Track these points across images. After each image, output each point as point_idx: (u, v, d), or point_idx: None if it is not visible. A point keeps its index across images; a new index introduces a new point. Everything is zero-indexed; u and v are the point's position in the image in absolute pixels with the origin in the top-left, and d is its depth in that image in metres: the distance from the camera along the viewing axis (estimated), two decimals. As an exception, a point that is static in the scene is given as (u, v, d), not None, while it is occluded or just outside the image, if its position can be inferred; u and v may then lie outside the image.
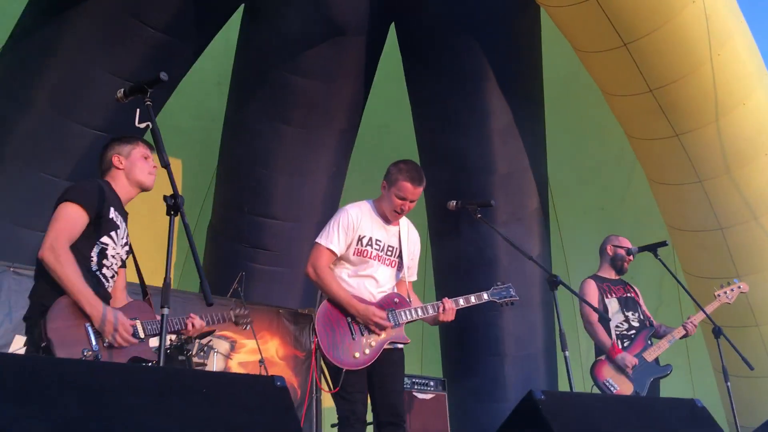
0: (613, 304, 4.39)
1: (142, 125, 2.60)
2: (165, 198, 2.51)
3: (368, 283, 3.31)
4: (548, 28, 7.51)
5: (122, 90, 2.67)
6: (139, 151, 3.24)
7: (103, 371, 1.43)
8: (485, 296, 3.42)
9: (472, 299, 3.38)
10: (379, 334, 3.19)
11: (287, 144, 7.56)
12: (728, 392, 3.98)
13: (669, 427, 2.17)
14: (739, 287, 4.59)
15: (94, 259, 2.95)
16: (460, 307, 3.33)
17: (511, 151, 7.76)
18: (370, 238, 3.34)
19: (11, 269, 5.56)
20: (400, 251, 3.42)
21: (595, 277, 4.58)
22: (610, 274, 4.61)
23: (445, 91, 7.59)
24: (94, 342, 2.69)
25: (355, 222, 3.34)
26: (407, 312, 3.26)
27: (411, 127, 8.37)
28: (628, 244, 4.61)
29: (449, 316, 3.28)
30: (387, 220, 3.44)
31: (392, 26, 7.87)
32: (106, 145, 3.28)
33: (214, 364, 5.75)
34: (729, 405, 3.92)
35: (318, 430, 7.41)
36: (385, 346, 3.23)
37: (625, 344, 4.30)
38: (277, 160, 7.71)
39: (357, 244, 3.32)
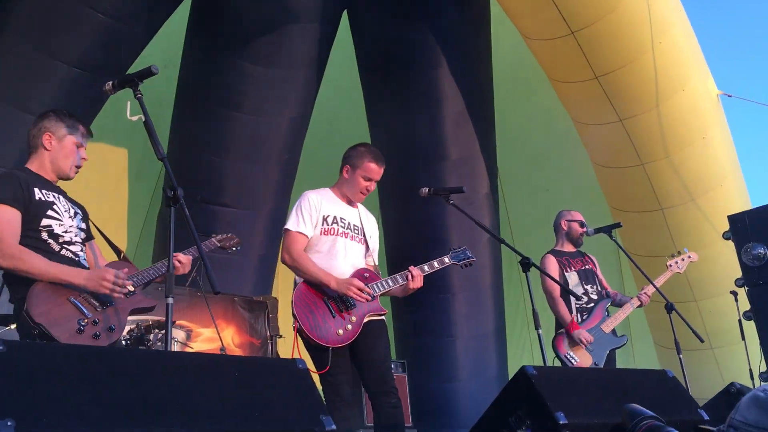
0: (572, 277, 4.55)
1: (134, 118, 2.58)
2: (164, 190, 2.51)
3: (339, 261, 3.36)
4: (497, 14, 7.67)
5: (110, 82, 2.64)
6: (74, 138, 3.07)
7: (146, 358, 1.46)
8: (446, 260, 3.51)
9: (435, 264, 3.47)
10: (357, 307, 3.23)
11: (238, 131, 7.50)
12: (681, 364, 4.21)
13: (647, 395, 2.32)
14: (689, 257, 4.83)
15: (51, 242, 2.87)
16: (426, 273, 3.42)
17: (463, 137, 7.91)
18: (335, 217, 3.42)
19: None
20: (363, 230, 3.51)
21: (554, 252, 4.73)
22: (567, 247, 4.75)
23: (397, 79, 7.67)
24: (85, 311, 2.67)
25: (316, 203, 3.42)
26: (379, 284, 3.32)
27: (363, 115, 8.43)
28: (580, 217, 4.77)
29: (418, 283, 3.34)
30: (348, 202, 3.54)
31: (345, 14, 7.88)
32: (42, 114, 3.08)
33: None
34: (682, 377, 4.15)
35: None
36: (366, 320, 3.26)
37: (584, 317, 4.49)
38: (228, 148, 7.64)
39: (323, 224, 3.38)
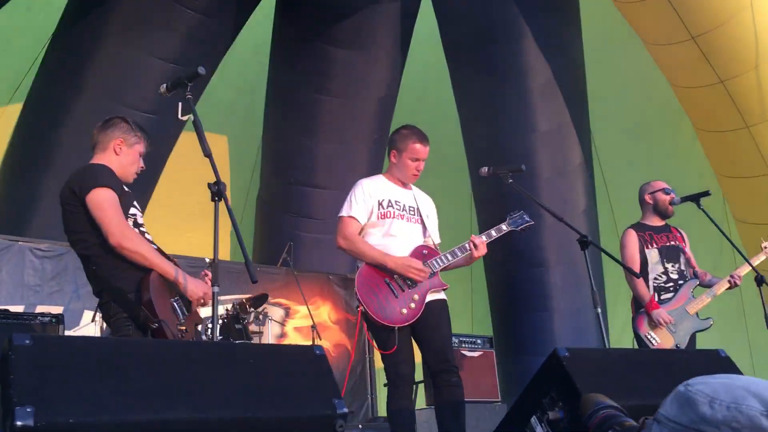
0: (653, 254, 4.35)
1: (185, 118, 2.75)
2: (209, 185, 2.65)
3: (398, 241, 3.37)
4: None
5: (165, 85, 2.82)
6: (140, 147, 3.16)
7: (165, 348, 1.60)
8: (504, 227, 3.52)
9: (493, 233, 3.47)
10: (418, 285, 3.24)
11: (328, 114, 7.69)
12: None
13: (693, 377, 2.25)
14: None
15: (135, 231, 2.95)
16: (486, 241, 3.40)
17: (552, 108, 7.72)
18: (389, 200, 3.44)
19: (76, 249, 5.91)
20: (419, 211, 3.51)
21: (638, 226, 4.51)
22: (654, 221, 4.51)
23: (481, 53, 7.58)
24: (181, 316, 2.79)
25: (370, 189, 3.47)
26: (439, 259, 3.32)
27: (449, 90, 8.39)
28: (663, 185, 4.50)
29: (482, 251, 3.34)
30: (402, 185, 3.56)
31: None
32: (112, 121, 3.17)
33: (269, 330, 6.00)
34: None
35: (372, 390, 7.68)
36: (428, 297, 3.28)
37: (662, 296, 4.31)
38: (319, 130, 7.86)
39: (378, 209, 3.41)
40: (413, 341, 3.32)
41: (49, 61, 6.75)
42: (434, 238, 3.57)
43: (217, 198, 2.51)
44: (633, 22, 7.11)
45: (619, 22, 7.37)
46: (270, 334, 6.50)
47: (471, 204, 9.13)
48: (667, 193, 4.47)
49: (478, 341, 5.94)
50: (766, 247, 4.43)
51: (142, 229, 3.06)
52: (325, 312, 7.83)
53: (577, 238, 3.36)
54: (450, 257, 3.35)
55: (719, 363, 2.39)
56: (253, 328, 5.87)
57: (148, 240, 3.00)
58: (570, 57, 7.74)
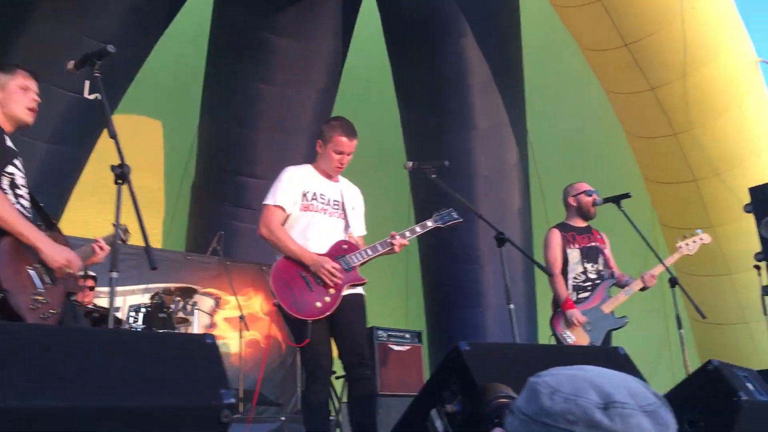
0: (574, 254, 4.45)
1: (91, 97, 2.66)
2: (112, 168, 2.56)
3: (318, 236, 3.37)
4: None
5: (72, 62, 2.72)
6: (16, 81, 2.85)
7: (51, 334, 1.54)
8: (429, 223, 3.52)
9: (417, 229, 3.48)
10: (332, 284, 3.24)
11: (267, 103, 7.60)
12: (681, 340, 4.15)
13: None
14: (701, 239, 4.65)
15: (8, 192, 2.69)
16: (408, 238, 3.43)
17: (491, 106, 7.82)
18: (314, 193, 3.43)
19: None
20: (344, 205, 3.51)
21: (562, 226, 4.62)
22: (577, 222, 4.61)
23: (423, 49, 7.62)
24: (39, 285, 2.55)
25: (296, 178, 3.44)
26: (357, 255, 3.34)
27: (392, 86, 8.40)
28: (585, 187, 4.62)
29: (399, 249, 3.37)
30: (329, 177, 3.55)
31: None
32: None
33: (196, 321, 5.90)
34: (681, 353, 4.10)
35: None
36: (345, 291, 3.30)
37: (580, 295, 4.41)
38: (258, 120, 7.76)
39: (302, 200, 3.40)
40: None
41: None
42: (359, 230, 3.58)
43: (120, 181, 2.43)
44: (570, 26, 7.26)
45: (559, 26, 7.52)
46: (198, 325, 6.39)
47: (409, 197, 9.20)
48: (590, 195, 4.58)
49: (407, 335, 5.99)
50: (680, 248, 4.58)
51: (19, 191, 2.77)
52: (257, 303, 7.75)
53: (494, 235, 3.41)
54: (370, 252, 3.35)
55: (616, 360, 2.46)
56: (179, 316, 5.76)
57: (23, 204, 2.74)
58: (509, 57, 7.86)
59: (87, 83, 2.64)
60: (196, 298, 6.57)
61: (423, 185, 8.66)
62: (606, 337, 4.35)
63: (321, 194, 3.44)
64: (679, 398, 2.65)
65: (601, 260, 4.52)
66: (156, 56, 8.00)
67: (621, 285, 4.50)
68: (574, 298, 4.39)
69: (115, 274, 2.29)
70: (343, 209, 3.50)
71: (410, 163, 3.74)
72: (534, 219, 8.86)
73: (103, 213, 8.23)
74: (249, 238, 8.08)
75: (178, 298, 5.79)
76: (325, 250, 3.33)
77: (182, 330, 5.97)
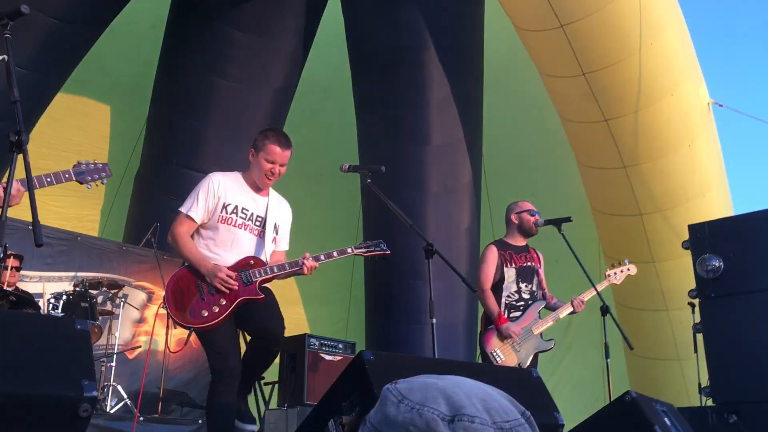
0: (510, 273, 4.41)
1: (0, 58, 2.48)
2: (8, 134, 2.39)
3: (230, 250, 3.30)
4: (492, 5, 7.51)
5: None
6: None
7: None
8: (349, 250, 3.44)
9: (335, 254, 3.40)
10: (225, 293, 3.18)
11: (221, 98, 7.43)
12: (606, 369, 4.12)
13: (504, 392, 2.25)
14: (628, 269, 4.69)
15: None
16: (321, 262, 3.34)
17: (447, 123, 7.79)
18: (236, 206, 3.34)
19: None
20: (266, 221, 3.41)
21: (500, 243, 4.58)
22: (517, 240, 4.58)
23: (383, 60, 7.55)
24: None
25: (217, 189, 3.34)
26: (261, 270, 3.27)
27: (351, 95, 8.32)
28: (529, 206, 4.60)
29: (309, 271, 3.30)
30: (257, 189, 3.45)
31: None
32: None
33: (121, 313, 5.67)
34: (606, 384, 4.08)
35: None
36: (237, 302, 3.22)
37: (512, 314, 4.36)
38: (210, 114, 7.57)
39: (222, 212, 3.32)
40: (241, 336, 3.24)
41: None
42: (282, 246, 3.51)
43: (15, 149, 2.24)
44: (531, 51, 7.28)
45: (520, 49, 7.54)
46: (125, 318, 6.15)
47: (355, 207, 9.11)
48: (532, 215, 4.56)
49: (339, 345, 5.86)
50: (608, 276, 4.60)
51: None
52: (191, 302, 7.53)
53: (423, 246, 3.33)
54: (276, 270, 3.29)
55: (527, 382, 2.38)
56: (103, 309, 5.53)
57: None
58: (470, 76, 7.84)
59: None
60: (127, 290, 6.34)
61: (373, 197, 8.60)
62: (534, 359, 4.30)
63: (243, 209, 3.35)
64: (595, 428, 2.59)
65: (535, 281, 4.48)
66: (112, 43, 7.76)
67: (551, 307, 4.47)
68: (506, 316, 4.33)
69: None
70: (263, 226, 3.39)
71: (346, 165, 3.66)
72: (482, 239, 8.84)
73: (40, 194, 7.93)
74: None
75: (105, 289, 5.56)
76: (232, 263, 3.27)
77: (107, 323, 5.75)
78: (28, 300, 5.19)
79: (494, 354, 4.21)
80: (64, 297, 5.11)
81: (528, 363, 4.24)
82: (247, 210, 3.35)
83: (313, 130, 9.12)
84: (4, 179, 2.62)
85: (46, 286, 5.94)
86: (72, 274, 6.41)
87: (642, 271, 7.53)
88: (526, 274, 4.44)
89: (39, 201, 7.56)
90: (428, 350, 8.49)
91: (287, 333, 6.40)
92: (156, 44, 7.72)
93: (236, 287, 3.17)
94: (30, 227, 5.64)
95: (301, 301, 10.24)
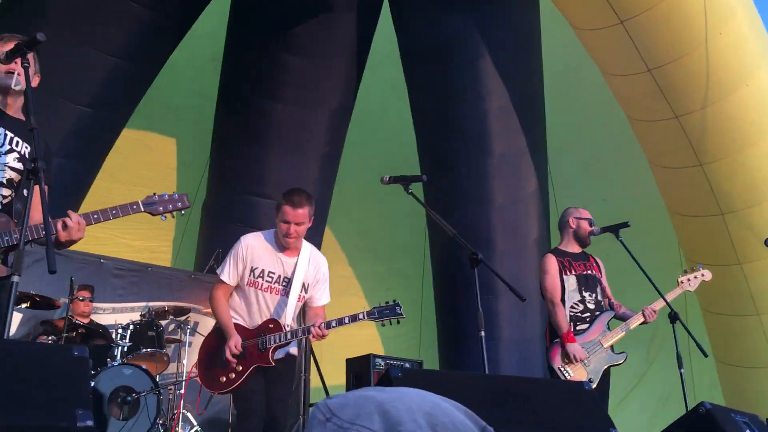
0: (571, 281, 4.17)
1: (17, 88, 2.51)
2: (25, 162, 2.39)
3: (255, 311, 3.52)
4: (549, 8, 7.30)
5: (3, 53, 2.57)
6: None
7: None
8: (361, 316, 3.47)
9: (346, 320, 3.44)
10: (248, 357, 3.41)
11: (279, 122, 7.50)
12: (681, 379, 3.82)
13: (541, 407, 2.05)
14: (702, 275, 4.35)
15: None
16: (333, 328, 3.40)
17: (508, 132, 7.59)
18: (263, 270, 3.52)
19: None
20: (292, 282, 3.55)
21: (557, 251, 4.35)
22: (572, 247, 4.36)
23: (440, 71, 7.45)
24: None
25: (246, 254, 3.54)
26: (275, 336, 3.42)
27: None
28: (588, 215, 4.38)
29: (319, 339, 3.40)
30: (284, 249, 3.59)
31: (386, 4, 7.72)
32: None
33: (191, 340, 5.72)
34: (682, 393, 3.78)
35: (305, 409, 7.41)
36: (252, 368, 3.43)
37: (578, 327, 4.11)
38: (269, 139, 7.65)
39: (250, 275, 3.52)
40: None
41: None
42: (321, 301, 3.65)
43: (32, 177, 2.22)
44: (592, 50, 7.02)
45: (581, 51, 7.28)
46: (196, 345, 6.21)
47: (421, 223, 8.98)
48: (591, 225, 4.33)
49: (406, 365, 5.71)
50: (681, 282, 4.28)
51: None
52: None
53: (468, 255, 3.17)
54: (289, 336, 3.43)
55: (578, 396, 2.18)
56: (170, 337, 5.59)
57: None
58: (528, 82, 7.64)
59: (15, 75, 2.48)
60: (197, 318, 6.42)
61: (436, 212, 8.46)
62: (605, 374, 4.02)
63: (270, 272, 3.53)
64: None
65: (599, 289, 4.22)
66: (174, 78, 7.99)
67: (620, 317, 4.19)
68: (573, 330, 4.08)
69: (16, 278, 2.08)
70: (289, 286, 3.53)
71: (386, 177, 3.56)
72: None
73: (111, 228, 8.20)
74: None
75: (172, 317, 5.62)
76: (258, 323, 3.49)
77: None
78: (97, 331, 5.31)
79: (562, 370, 3.97)
80: (131, 327, 5.19)
81: (599, 378, 3.97)
82: (273, 273, 3.53)
83: (372, 149, 9.08)
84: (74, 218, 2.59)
85: (118, 318, 6.06)
86: (143, 304, 6.53)
87: (727, 274, 7.09)
88: (588, 283, 4.18)
89: (109, 235, 7.79)
90: (503, 366, 8.24)
91: (359, 353, 6.37)
92: (216, 77, 7.88)
93: (234, 362, 3.39)
94: (101, 261, 5.80)
95: (375, 323, 10.15)
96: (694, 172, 6.92)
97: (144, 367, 4.90)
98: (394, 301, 3.51)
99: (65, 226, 2.53)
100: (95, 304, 6.23)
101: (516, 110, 7.51)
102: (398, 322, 3.48)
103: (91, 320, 5.78)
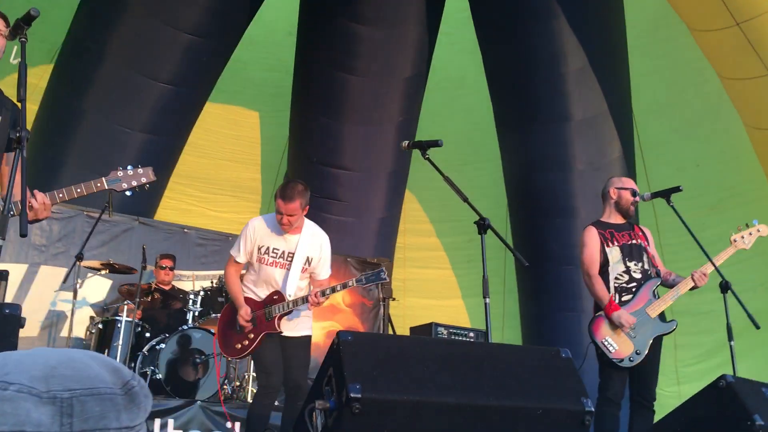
0: (614, 252, 3.93)
1: (15, 61, 2.63)
2: (10, 132, 2.48)
3: (264, 284, 3.84)
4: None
5: (8, 30, 2.69)
6: None
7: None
8: (350, 283, 3.75)
9: (338, 287, 3.75)
10: (258, 325, 3.76)
11: (353, 93, 7.55)
12: (731, 351, 3.55)
13: (516, 374, 1.96)
14: (758, 230, 3.97)
15: None
16: (327, 296, 3.70)
17: (588, 96, 7.28)
18: (268, 248, 3.82)
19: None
20: (295, 256, 3.80)
21: (598, 224, 4.10)
22: (615, 218, 4.10)
23: (512, 34, 7.23)
24: None
25: (252, 234, 3.84)
26: (279, 306, 3.74)
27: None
28: (632, 185, 4.10)
29: (316, 304, 3.67)
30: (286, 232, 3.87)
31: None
32: None
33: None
34: (731, 364, 3.52)
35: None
36: (285, 334, 3.77)
37: (624, 298, 3.87)
38: (344, 110, 7.72)
39: (257, 253, 3.83)
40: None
41: (75, 30, 6.92)
42: (322, 275, 3.90)
43: (16, 145, 2.32)
44: (676, 6, 6.58)
45: (666, 7, 6.84)
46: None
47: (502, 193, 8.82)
48: (634, 195, 4.08)
49: (470, 334, 5.67)
50: (735, 241, 3.94)
51: None
52: (339, 295, 7.72)
53: (475, 221, 3.10)
54: (291, 305, 3.72)
55: (553, 363, 2.08)
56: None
57: None
58: (609, 42, 7.27)
59: (15, 48, 2.62)
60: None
61: (516, 182, 8.29)
62: (654, 345, 3.81)
63: (274, 248, 3.81)
64: (684, 419, 2.24)
65: (645, 258, 3.97)
66: (254, 53, 8.21)
67: (669, 285, 3.94)
68: (617, 301, 3.89)
69: (0, 241, 2.19)
70: (291, 260, 3.80)
71: (406, 143, 3.54)
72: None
73: (197, 201, 8.60)
74: (334, 228, 8.05)
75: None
76: (264, 297, 3.82)
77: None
78: (176, 296, 5.62)
79: (605, 343, 3.80)
80: (202, 293, 5.46)
81: (647, 350, 3.76)
82: (278, 249, 3.81)
83: (451, 118, 8.97)
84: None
85: (197, 284, 6.38)
86: (222, 272, 6.85)
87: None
88: (632, 252, 3.94)
89: (200, 209, 8.16)
90: (585, 338, 8.03)
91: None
92: (293, 50, 8.02)
93: (248, 326, 3.75)
94: (185, 231, 6.31)
95: (461, 294, 10.15)
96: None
97: (213, 331, 5.14)
98: (380, 267, 3.88)
99: (30, 207, 2.54)
100: (180, 272, 6.60)
101: (595, 72, 7.18)
102: (383, 286, 3.80)
103: (173, 287, 6.11)
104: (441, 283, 9.82)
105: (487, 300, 3.00)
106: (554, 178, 7.79)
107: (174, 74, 6.87)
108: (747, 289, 6.65)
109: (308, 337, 3.90)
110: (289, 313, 3.75)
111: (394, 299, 8.06)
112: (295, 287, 3.79)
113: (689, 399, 2.38)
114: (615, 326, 3.81)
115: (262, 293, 3.83)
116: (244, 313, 3.73)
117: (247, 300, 3.82)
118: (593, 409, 2.00)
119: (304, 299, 3.69)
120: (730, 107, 7.20)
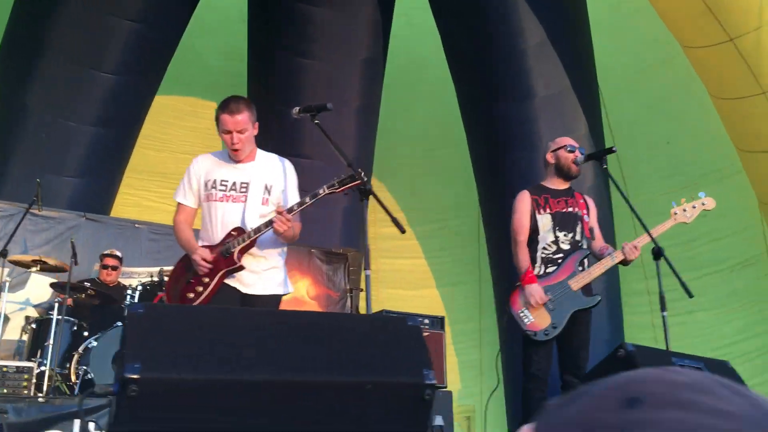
0: (545, 220, 3.69)
1: None
2: None
3: (217, 225, 3.25)
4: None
5: (297, 108, 2.95)
6: None
7: None
8: (321, 191, 3.18)
9: (307, 200, 3.21)
10: (203, 274, 3.16)
11: (308, 78, 7.33)
12: (663, 322, 3.33)
13: (329, 344, 1.75)
14: (703, 203, 3.74)
15: None
16: (294, 212, 3.15)
17: (549, 70, 7.06)
18: (215, 181, 3.28)
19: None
20: (251, 186, 3.29)
21: (535, 188, 3.86)
22: (555, 183, 3.85)
23: (469, 11, 7.00)
24: None
25: (197, 170, 3.34)
26: (238, 239, 3.15)
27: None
28: (568, 141, 3.86)
29: (285, 226, 3.07)
30: (237, 160, 3.35)
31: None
32: None
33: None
34: (663, 336, 3.30)
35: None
36: (246, 292, 3.20)
37: (548, 269, 3.64)
38: (301, 96, 7.47)
39: (205, 190, 3.29)
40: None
41: (13, 25, 6.69)
42: (291, 202, 3.32)
43: None
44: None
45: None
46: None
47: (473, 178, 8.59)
48: (571, 151, 3.83)
49: (426, 321, 5.45)
50: (676, 214, 3.70)
51: None
52: (303, 287, 7.51)
53: (359, 187, 2.90)
54: (252, 234, 3.14)
55: (398, 333, 1.87)
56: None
57: None
58: (568, 16, 7.05)
59: None
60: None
61: (486, 164, 8.07)
62: (581, 319, 3.57)
63: (222, 181, 3.27)
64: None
65: (579, 229, 3.72)
66: (209, 41, 7.98)
67: (598, 257, 3.70)
68: (541, 272, 3.65)
69: None
70: (247, 190, 3.27)
71: (296, 109, 3.33)
72: (612, 199, 7.93)
73: (157, 197, 8.38)
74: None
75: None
76: (220, 239, 3.21)
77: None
78: (109, 292, 5.41)
79: (521, 315, 3.55)
80: (140, 288, 5.25)
81: (563, 323, 3.53)
82: (226, 181, 3.28)
83: (416, 103, 8.76)
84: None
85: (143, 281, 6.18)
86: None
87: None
88: (565, 221, 3.69)
89: (158, 204, 7.97)
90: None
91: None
92: (246, 37, 7.80)
93: (207, 269, 3.13)
94: (136, 225, 6.00)
95: (435, 284, 9.96)
96: (756, 101, 6.17)
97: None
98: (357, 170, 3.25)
99: None
100: (131, 269, 6.38)
101: (555, 46, 6.96)
102: (355, 189, 3.14)
103: (119, 283, 5.89)
104: (414, 273, 9.61)
105: (368, 272, 2.82)
106: (518, 157, 7.57)
107: (118, 63, 6.65)
108: None
109: (278, 297, 3.26)
110: (251, 245, 3.13)
111: (361, 290, 7.84)
112: (258, 221, 3.17)
113: (588, 372, 2.16)
114: None
115: (216, 236, 3.21)
116: (201, 252, 3.11)
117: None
118: (434, 382, 1.79)
119: (267, 224, 3.08)
120: (700, 83, 6.99)
